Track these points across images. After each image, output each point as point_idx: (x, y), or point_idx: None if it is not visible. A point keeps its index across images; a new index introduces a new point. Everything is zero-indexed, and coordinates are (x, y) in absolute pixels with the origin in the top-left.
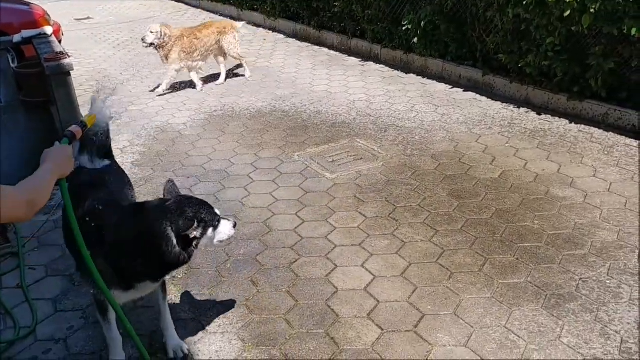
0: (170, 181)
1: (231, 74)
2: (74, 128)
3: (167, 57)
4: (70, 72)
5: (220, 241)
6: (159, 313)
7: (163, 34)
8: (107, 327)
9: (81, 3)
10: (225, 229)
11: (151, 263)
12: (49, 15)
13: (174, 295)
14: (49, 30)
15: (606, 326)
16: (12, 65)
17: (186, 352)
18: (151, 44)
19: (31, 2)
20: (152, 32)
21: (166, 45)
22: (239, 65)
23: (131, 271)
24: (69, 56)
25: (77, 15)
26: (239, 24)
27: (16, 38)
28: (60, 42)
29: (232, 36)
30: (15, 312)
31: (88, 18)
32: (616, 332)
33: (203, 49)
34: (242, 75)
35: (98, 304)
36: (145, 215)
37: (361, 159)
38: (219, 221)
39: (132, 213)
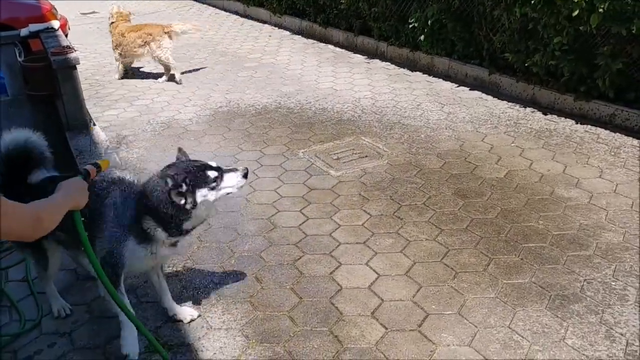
0: (180, 150)
1: (235, 73)
2: (90, 167)
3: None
4: (76, 66)
5: (229, 193)
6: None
7: (110, 15)
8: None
9: None
10: (230, 181)
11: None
12: (55, 10)
13: (178, 291)
14: (55, 24)
15: (611, 328)
16: (18, 59)
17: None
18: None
19: None
20: (109, 12)
21: (111, 29)
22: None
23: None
24: (75, 50)
25: (83, 9)
26: (179, 29)
27: (23, 32)
28: (66, 36)
29: (157, 44)
30: (21, 305)
31: (94, 12)
32: (621, 334)
33: (126, 48)
34: (249, 75)
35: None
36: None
37: (366, 156)
38: (218, 177)
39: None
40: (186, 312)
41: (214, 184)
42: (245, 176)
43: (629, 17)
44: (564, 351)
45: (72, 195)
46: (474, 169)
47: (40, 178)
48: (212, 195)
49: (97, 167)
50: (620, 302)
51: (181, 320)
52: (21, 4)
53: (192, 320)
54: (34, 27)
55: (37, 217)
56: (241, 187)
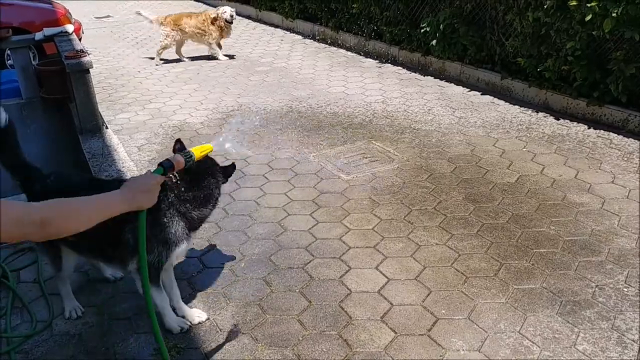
0: (178, 141)
1: (247, 77)
2: (177, 157)
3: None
4: (90, 69)
5: None
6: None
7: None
8: (160, 291)
9: (102, 2)
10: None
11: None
12: (70, 14)
13: (187, 293)
14: (70, 28)
15: (623, 334)
16: (33, 62)
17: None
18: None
19: (54, 0)
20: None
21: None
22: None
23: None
24: (89, 54)
25: (97, 14)
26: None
27: (38, 36)
28: (80, 40)
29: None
30: (32, 306)
31: (108, 16)
32: (633, 341)
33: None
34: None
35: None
36: None
37: (377, 160)
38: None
39: None
40: (194, 313)
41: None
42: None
43: None
44: (574, 357)
45: (131, 194)
46: (485, 173)
47: None
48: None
49: (188, 157)
50: (633, 309)
51: (190, 324)
52: (36, 8)
53: (199, 323)
54: (48, 31)
55: (43, 218)
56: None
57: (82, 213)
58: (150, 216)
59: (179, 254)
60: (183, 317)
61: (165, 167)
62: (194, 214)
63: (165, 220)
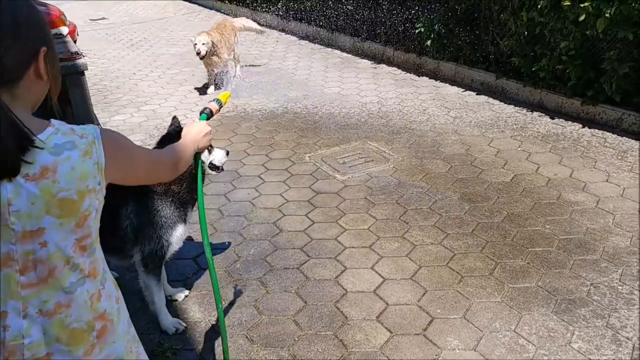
0: (174, 118)
1: (242, 78)
2: (212, 105)
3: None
4: (85, 71)
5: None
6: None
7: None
8: (159, 288)
9: (97, 3)
10: (218, 155)
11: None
12: (65, 16)
13: (183, 295)
14: (64, 30)
15: (618, 332)
16: None
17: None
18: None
19: (48, 3)
20: (203, 44)
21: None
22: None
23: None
24: (84, 56)
25: (92, 16)
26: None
27: None
28: (75, 42)
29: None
30: None
31: (103, 18)
32: (628, 338)
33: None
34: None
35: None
36: None
37: (372, 161)
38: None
39: None
40: (179, 291)
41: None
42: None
43: (636, 21)
44: (569, 355)
45: (196, 137)
46: (480, 173)
47: None
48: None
49: (219, 103)
50: (627, 306)
51: (177, 300)
52: None
53: (185, 297)
54: None
55: (174, 162)
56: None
57: (187, 156)
58: (142, 202)
59: (178, 237)
60: (170, 296)
61: (207, 113)
62: (186, 196)
63: (158, 203)
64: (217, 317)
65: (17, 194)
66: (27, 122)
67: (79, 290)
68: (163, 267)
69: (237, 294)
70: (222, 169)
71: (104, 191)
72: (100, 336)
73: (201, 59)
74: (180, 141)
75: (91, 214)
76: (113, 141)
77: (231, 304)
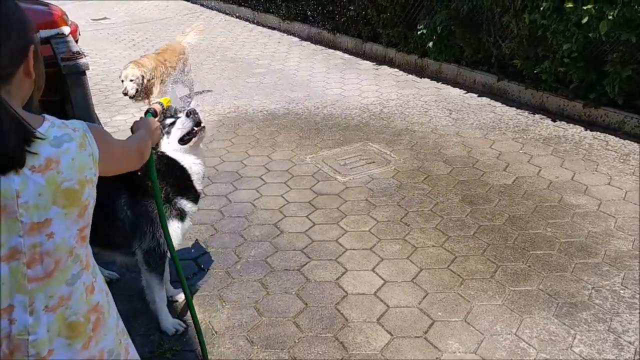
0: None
1: (244, 79)
2: (156, 106)
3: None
4: (86, 71)
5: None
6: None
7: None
8: (161, 287)
9: (98, 3)
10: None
11: None
12: (66, 16)
13: (183, 295)
14: (66, 30)
15: (620, 337)
16: None
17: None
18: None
19: (50, 2)
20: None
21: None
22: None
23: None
24: (85, 56)
25: (94, 16)
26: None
27: None
28: (77, 42)
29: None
30: None
31: (105, 18)
32: (630, 343)
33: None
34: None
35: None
36: None
37: (373, 162)
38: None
39: None
40: (180, 292)
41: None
42: (188, 115)
43: (639, 24)
44: (571, 359)
45: (150, 131)
46: (481, 175)
47: None
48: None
49: (162, 105)
50: (629, 310)
51: (177, 300)
52: (32, 9)
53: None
54: (44, 33)
55: (140, 151)
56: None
57: (147, 143)
58: (135, 195)
59: (174, 234)
60: (171, 297)
61: (152, 113)
62: (172, 191)
63: (148, 197)
64: (193, 320)
65: (25, 186)
66: (25, 117)
67: (78, 282)
68: (167, 266)
69: (237, 294)
70: (203, 128)
71: (96, 182)
72: (95, 328)
73: (131, 98)
74: (139, 132)
75: (90, 203)
76: (101, 134)
77: (231, 305)
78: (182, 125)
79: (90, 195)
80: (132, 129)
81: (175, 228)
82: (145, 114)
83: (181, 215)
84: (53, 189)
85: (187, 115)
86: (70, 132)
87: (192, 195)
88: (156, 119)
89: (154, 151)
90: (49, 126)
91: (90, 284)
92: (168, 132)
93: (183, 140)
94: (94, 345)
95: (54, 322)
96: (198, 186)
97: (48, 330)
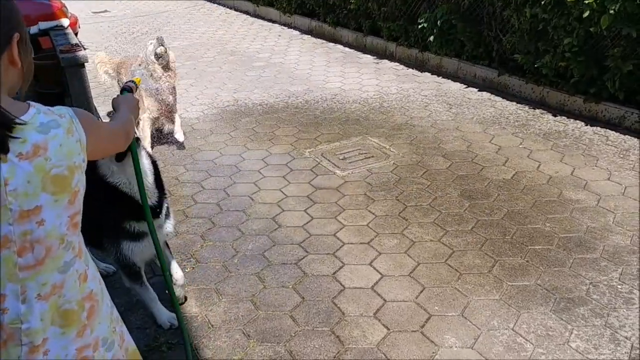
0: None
1: (243, 72)
2: (131, 84)
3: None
4: (85, 64)
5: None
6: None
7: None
8: (144, 289)
9: None
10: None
11: None
12: (66, 8)
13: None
14: (65, 22)
15: (616, 332)
16: None
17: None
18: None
19: None
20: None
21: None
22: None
23: None
24: (85, 48)
25: (94, 8)
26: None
27: (33, 30)
28: (76, 34)
29: None
30: None
31: (105, 11)
32: (626, 338)
33: None
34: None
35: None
36: None
37: (372, 156)
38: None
39: None
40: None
41: None
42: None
43: None
44: (567, 354)
45: (131, 107)
46: (480, 170)
47: None
48: None
49: (134, 84)
50: (626, 306)
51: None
52: (32, 2)
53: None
54: (43, 25)
55: (126, 131)
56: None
57: (131, 122)
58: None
59: (129, 247)
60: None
61: (128, 89)
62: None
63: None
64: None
65: (13, 174)
66: (8, 104)
67: (71, 270)
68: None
69: (234, 288)
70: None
71: (85, 168)
72: (89, 317)
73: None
74: (121, 111)
75: (80, 190)
76: (87, 118)
77: (228, 299)
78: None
79: (80, 182)
80: (112, 105)
81: (133, 248)
82: (122, 91)
83: (137, 236)
84: (42, 176)
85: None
86: (57, 118)
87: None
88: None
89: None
90: (35, 113)
91: (84, 271)
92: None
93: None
94: (89, 333)
95: (47, 311)
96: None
97: (41, 319)
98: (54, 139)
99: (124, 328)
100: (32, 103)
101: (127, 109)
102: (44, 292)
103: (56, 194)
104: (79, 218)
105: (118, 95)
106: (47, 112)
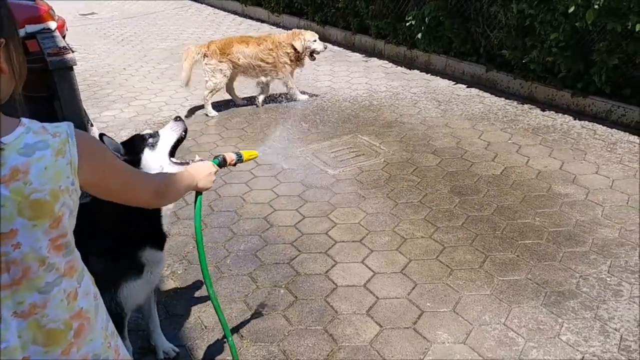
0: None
1: None
2: (229, 155)
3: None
4: (73, 66)
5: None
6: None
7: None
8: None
9: None
10: (165, 132)
11: None
12: (53, 11)
13: (172, 291)
14: (52, 25)
15: (606, 324)
16: None
17: (177, 351)
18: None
19: None
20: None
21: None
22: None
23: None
24: (73, 51)
25: (82, 11)
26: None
27: (20, 33)
28: (64, 37)
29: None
30: None
31: (93, 13)
32: (615, 329)
33: None
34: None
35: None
36: None
37: (363, 154)
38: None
39: None
40: (168, 346)
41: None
42: (177, 119)
43: (624, 13)
44: (558, 347)
45: (198, 175)
46: (470, 166)
47: None
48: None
49: (239, 157)
50: (615, 298)
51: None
52: (18, 4)
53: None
54: (30, 28)
55: (158, 190)
56: (180, 131)
57: (177, 187)
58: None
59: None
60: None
61: (220, 160)
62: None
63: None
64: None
65: None
66: None
67: (55, 290)
68: (155, 314)
69: (227, 289)
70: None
71: (79, 191)
72: (77, 335)
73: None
74: (180, 173)
75: (65, 214)
76: (88, 141)
77: (221, 299)
78: (175, 126)
79: (65, 205)
80: (188, 167)
81: (134, 287)
82: (214, 158)
83: (139, 269)
84: (18, 200)
85: (176, 120)
86: (48, 138)
87: (159, 239)
88: (220, 169)
89: (201, 195)
90: (22, 132)
91: (74, 290)
92: (152, 145)
93: (173, 153)
94: (75, 351)
95: (26, 329)
96: (165, 225)
97: (19, 337)
98: (38, 161)
99: (120, 342)
100: (24, 120)
101: (190, 174)
102: (21, 310)
103: (34, 219)
104: (63, 240)
105: (200, 160)
106: (39, 131)
